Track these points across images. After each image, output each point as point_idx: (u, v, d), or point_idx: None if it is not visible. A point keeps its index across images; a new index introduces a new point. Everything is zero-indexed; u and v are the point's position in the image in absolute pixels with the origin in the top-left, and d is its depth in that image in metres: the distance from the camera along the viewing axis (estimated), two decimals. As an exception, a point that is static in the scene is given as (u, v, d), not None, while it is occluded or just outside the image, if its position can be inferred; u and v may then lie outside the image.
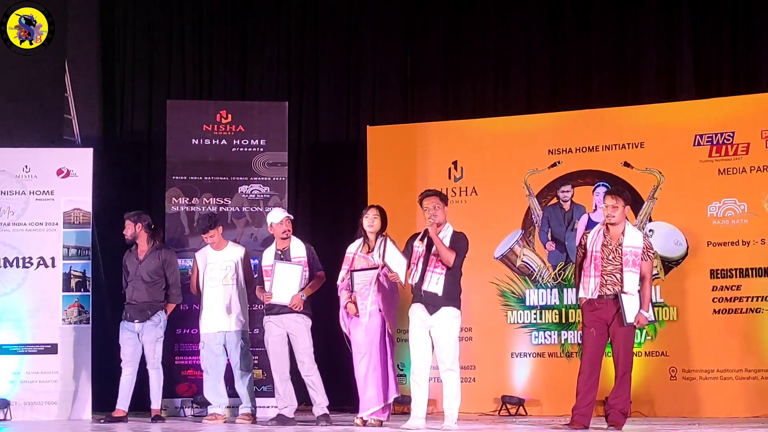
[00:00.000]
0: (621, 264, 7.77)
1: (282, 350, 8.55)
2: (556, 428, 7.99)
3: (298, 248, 8.62)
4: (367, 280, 8.27)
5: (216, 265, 9.11)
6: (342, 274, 8.44)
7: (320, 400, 8.46)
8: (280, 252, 8.62)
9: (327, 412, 8.45)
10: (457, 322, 7.87)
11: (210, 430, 8.35)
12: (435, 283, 7.76)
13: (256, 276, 9.01)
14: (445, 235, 7.86)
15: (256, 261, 9.06)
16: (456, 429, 7.75)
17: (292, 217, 8.74)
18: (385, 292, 8.31)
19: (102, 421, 8.99)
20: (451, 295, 7.83)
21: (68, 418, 9.42)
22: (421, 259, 7.82)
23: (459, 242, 7.89)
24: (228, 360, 9.16)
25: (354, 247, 8.49)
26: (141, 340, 9.12)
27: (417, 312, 7.86)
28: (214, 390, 9.06)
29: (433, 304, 7.78)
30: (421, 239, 7.86)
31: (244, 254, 9.18)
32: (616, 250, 7.82)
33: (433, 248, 7.80)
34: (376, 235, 8.42)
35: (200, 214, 9.80)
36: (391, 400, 8.40)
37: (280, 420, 8.49)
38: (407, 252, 7.94)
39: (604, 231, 7.91)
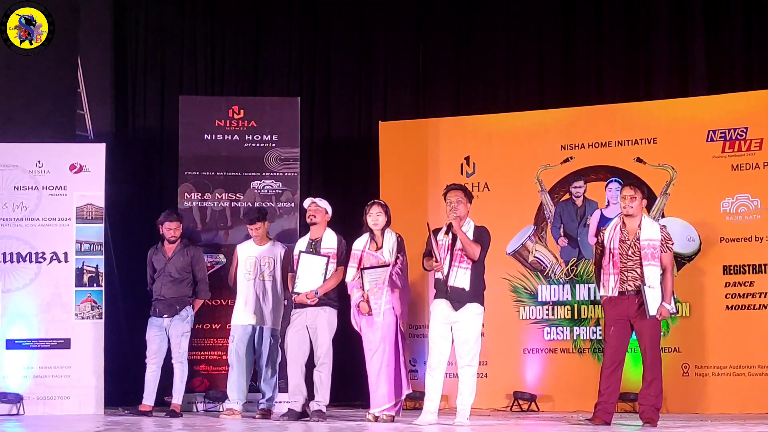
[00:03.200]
0: (640, 258, 7.73)
1: (302, 343, 8.53)
2: (578, 423, 7.97)
3: (330, 240, 8.63)
4: (378, 278, 8.24)
5: (254, 260, 9.15)
6: (351, 271, 8.41)
7: (320, 398, 8.45)
8: (312, 242, 8.63)
9: (323, 409, 8.44)
10: (480, 319, 7.87)
11: (228, 425, 8.35)
12: (462, 278, 7.74)
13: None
14: (468, 230, 7.86)
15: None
16: (468, 425, 7.74)
17: (321, 206, 8.68)
18: (398, 290, 8.28)
19: (127, 412, 9.02)
20: (477, 291, 7.83)
21: (81, 412, 9.44)
22: (447, 254, 7.80)
23: (482, 235, 7.88)
24: (255, 356, 9.17)
25: (361, 244, 8.45)
26: (167, 335, 9.15)
27: (441, 307, 7.84)
28: (236, 385, 9.04)
29: (459, 300, 7.76)
30: (447, 233, 7.85)
31: (284, 252, 9.18)
32: (634, 244, 7.77)
33: (457, 243, 7.77)
34: (382, 231, 8.40)
35: (248, 206, 9.94)
36: (403, 397, 8.38)
37: (291, 415, 8.49)
38: (429, 246, 7.90)
39: (621, 226, 7.88)
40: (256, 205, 9.89)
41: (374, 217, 8.37)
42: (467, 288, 7.74)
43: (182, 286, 9.24)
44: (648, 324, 7.73)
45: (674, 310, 8.03)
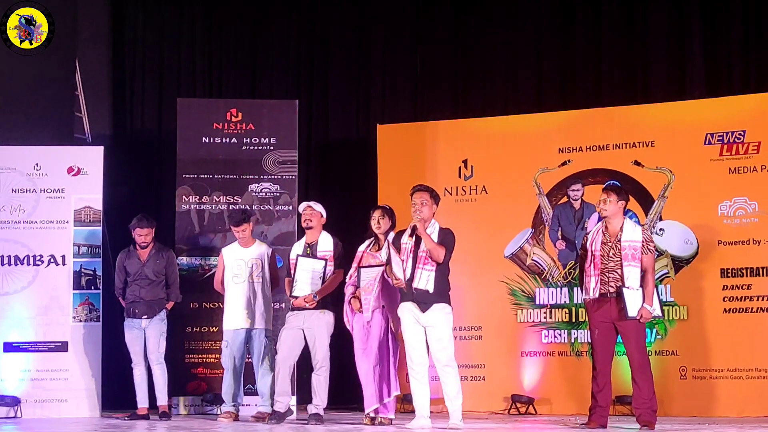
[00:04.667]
0: (621, 259, 7.74)
1: (294, 345, 8.53)
2: (574, 427, 7.96)
3: (326, 243, 8.63)
4: (373, 276, 8.25)
5: (242, 262, 9.08)
6: (351, 271, 8.43)
7: (318, 402, 8.43)
8: (308, 245, 8.64)
9: (320, 413, 8.42)
10: (450, 318, 7.81)
11: (223, 428, 8.34)
12: (426, 281, 7.70)
13: (281, 266, 9.06)
14: (432, 232, 7.80)
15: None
16: (462, 427, 7.71)
17: (316, 210, 8.67)
18: (390, 290, 8.25)
19: (127, 418, 9.02)
20: (442, 292, 7.78)
21: (78, 415, 9.43)
22: (410, 256, 7.77)
23: (447, 237, 7.83)
24: (249, 358, 9.13)
25: (364, 246, 8.48)
26: (145, 336, 9.13)
27: (409, 309, 7.79)
28: (230, 389, 9.00)
29: (425, 301, 7.72)
30: (410, 236, 7.81)
31: (270, 253, 9.15)
32: (615, 246, 7.77)
33: (421, 245, 7.74)
34: (385, 234, 8.40)
35: (233, 209, 9.89)
36: (391, 397, 8.33)
37: (276, 416, 8.46)
38: (395, 248, 7.87)
39: (603, 229, 7.89)
40: (238, 208, 9.87)
41: (376, 221, 8.37)
42: (431, 290, 7.71)
43: (158, 288, 9.21)
44: (632, 326, 7.71)
45: (658, 313, 8.00)
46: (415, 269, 7.73)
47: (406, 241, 7.80)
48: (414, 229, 7.77)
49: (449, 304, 7.82)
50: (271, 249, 9.21)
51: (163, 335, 9.18)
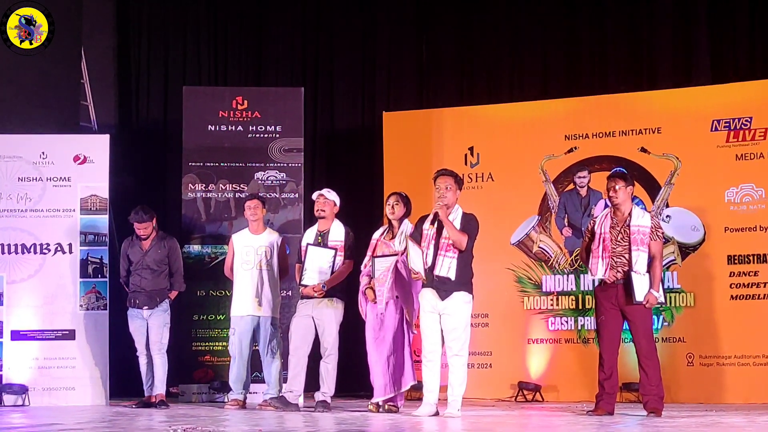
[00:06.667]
0: (629, 244, 7.74)
1: (306, 333, 8.53)
2: (581, 415, 7.96)
3: (337, 232, 8.61)
4: (386, 266, 8.22)
5: (252, 249, 9.05)
6: (366, 260, 8.42)
7: (325, 390, 8.42)
8: (320, 233, 8.64)
9: (328, 400, 8.41)
10: (468, 308, 7.74)
11: (231, 415, 8.34)
12: (447, 268, 7.62)
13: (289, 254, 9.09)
14: (455, 218, 7.72)
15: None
16: (458, 416, 7.64)
17: (329, 198, 8.65)
18: (404, 280, 8.22)
19: (134, 406, 9.03)
20: (464, 279, 7.69)
21: (86, 403, 9.45)
22: (432, 243, 7.72)
23: (470, 224, 7.75)
24: (256, 346, 9.14)
25: (378, 234, 8.45)
26: (148, 326, 9.12)
27: (428, 297, 7.74)
28: (238, 376, 9.00)
29: (445, 289, 7.65)
30: (432, 222, 7.74)
31: (281, 241, 9.12)
32: (623, 230, 7.77)
33: (444, 231, 7.67)
34: (399, 221, 8.37)
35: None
36: (406, 388, 8.33)
37: (281, 401, 8.46)
38: (416, 236, 7.83)
39: (611, 214, 7.89)
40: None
41: (390, 207, 8.34)
42: (453, 277, 7.62)
43: (161, 278, 9.18)
44: (639, 313, 7.72)
45: (663, 300, 7.99)
46: (437, 256, 7.64)
47: (428, 228, 7.75)
48: (436, 215, 7.73)
49: (470, 293, 7.74)
50: (281, 237, 9.18)
51: (167, 326, 9.16)
